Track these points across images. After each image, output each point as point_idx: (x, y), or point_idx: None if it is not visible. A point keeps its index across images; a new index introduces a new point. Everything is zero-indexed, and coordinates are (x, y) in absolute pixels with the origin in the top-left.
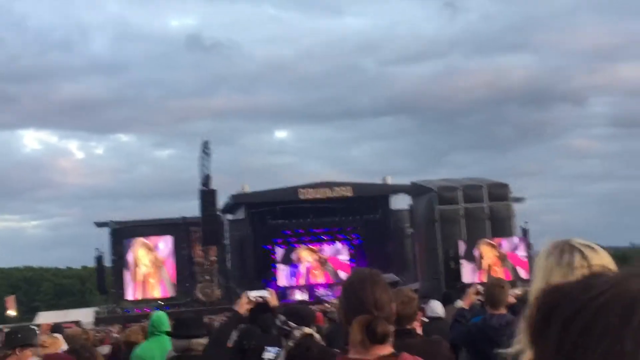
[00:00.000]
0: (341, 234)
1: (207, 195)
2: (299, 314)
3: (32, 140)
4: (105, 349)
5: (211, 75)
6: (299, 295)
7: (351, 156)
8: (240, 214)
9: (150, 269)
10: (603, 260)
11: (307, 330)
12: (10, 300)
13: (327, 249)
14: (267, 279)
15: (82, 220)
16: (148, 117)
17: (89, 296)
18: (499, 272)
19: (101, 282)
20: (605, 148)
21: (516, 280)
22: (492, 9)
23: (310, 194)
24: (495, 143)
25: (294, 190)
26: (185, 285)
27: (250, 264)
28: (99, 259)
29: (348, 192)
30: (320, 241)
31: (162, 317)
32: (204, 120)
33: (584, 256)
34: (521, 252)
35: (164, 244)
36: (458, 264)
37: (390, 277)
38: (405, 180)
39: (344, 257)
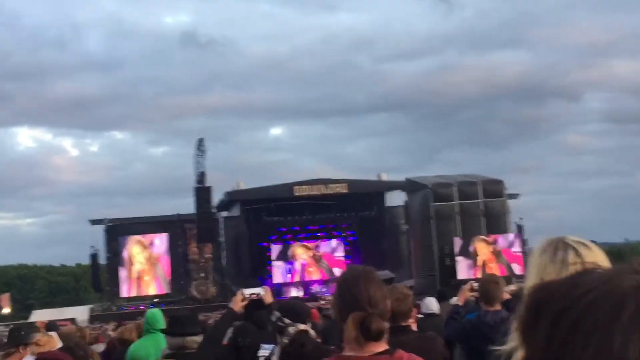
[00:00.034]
0: (336, 231)
1: (202, 193)
2: (294, 310)
3: (26, 137)
4: (100, 347)
5: (206, 72)
6: (295, 292)
7: (346, 153)
8: (235, 211)
9: (145, 266)
10: (597, 258)
11: (302, 326)
12: (5, 298)
13: (323, 246)
14: (262, 276)
15: (77, 217)
16: (143, 114)
17: (83, 294)
18: (494, 269)
19: (96, 280)
20: (600, 144)
21: (511, 277)
22: (487, 5)
23: (305, 191)
24: (490, 139)
25: (289, 187)
26: (180, 282)
27: (246, 261)
28: (94, 257)
29: (343, 189)
30: (315, 238)
31: (156, 315)
32: (198, 117)
33: (577, 253)
34: (516, 249)
35: (159, 242)
36: (453, 261)
37: (385, 273)
38: (400, 177)
39: (339, 253)
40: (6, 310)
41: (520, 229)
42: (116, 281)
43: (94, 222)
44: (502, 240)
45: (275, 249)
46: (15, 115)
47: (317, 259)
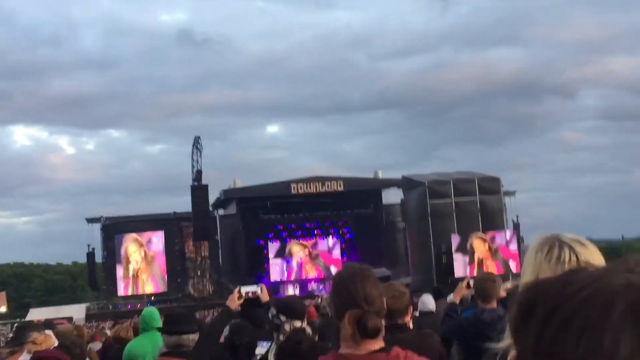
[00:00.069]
0: (333, 229)
1: (199, 191)
2: (291, 307)
3: (22, 136)
4: (97, 346)
5: (202, 70)
6: (291, 290)
7: (343, 150)
8: (232, 209)
9: (142, 264)
10: (592, 255)
11: (298, 323)
12: (1, 296)
13: (319, 244)
14: (259, 274)
15: (73, 216)
16: (139, 112)
17: (80, 292)
18: (491, 266)
19: (92, 278)
20: (596, 141)
21: (508, 274)
22: (482, 2)
23: (302, 189)
24: (486, 137)
25: (286, 184)
26: (177, 280)
27: (242, 259)
28: (91, 255)
29: (340, 187)
30: (312, 236)
31: (153, 313)
32: (195, 115)
33: (573, 251)
34: (512, 246)
35: (156, 240)
36: (450, 258)
37: (382, 271)
38: (397, 175)
39: (336, 251)
40: (2, 308)
41: (516, 226)
42: (113, 280)
43: (91, 220)
44: (498, 238)
45: (272, 247)
46: (11, 113)
47: (313, 257)
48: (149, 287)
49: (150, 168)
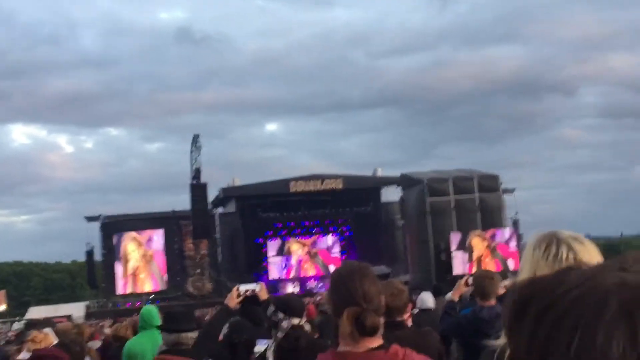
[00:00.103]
0: (332, 226)
1: (198, 189)
2: (289, 304)
3: (20, 134)
4: (96, 344)
5: (201, 68)
6: (291, 288)
7: (341, 148)
8: (231, 207)
9: (141, 263)
10: (590, 252)
11: (296, 321)
12: (1, 295)
13: (318, 242)
14: (258, 272)
15: (72, 214)
16: (138, 110)
17: (79, 291)
18: (489, 264)
19: (91, 277)
20: (595, 138)
21: (506, 272)
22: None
23: (301, 187)
24: (485, 134)
25: (285, 182)
26: (176, 279)
27: (241, 257)
28: (90, 253)
29: (339, 185)
30: (311, 234)
31: (152, 312)
32: (194, 113)
33: (571, 248)
34: (512, 243)
35: (155, 238)
36: (449, 256)
37: (381, 269)
38: (396, 172)
39: (335, 249)
40: (2, 307)
41: (515, 224)
42: (112, 278)
43: (90, 218)
44: (498, 236)
45: (271, 245)
46: (9, 112)
47: (312, 255)
48: (148, 285)
49: (149, 166)
